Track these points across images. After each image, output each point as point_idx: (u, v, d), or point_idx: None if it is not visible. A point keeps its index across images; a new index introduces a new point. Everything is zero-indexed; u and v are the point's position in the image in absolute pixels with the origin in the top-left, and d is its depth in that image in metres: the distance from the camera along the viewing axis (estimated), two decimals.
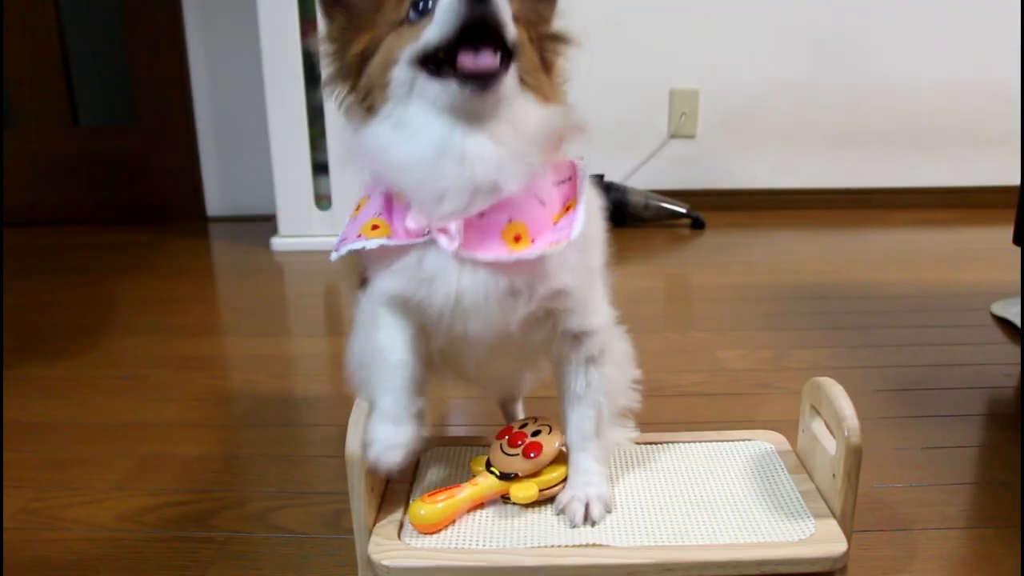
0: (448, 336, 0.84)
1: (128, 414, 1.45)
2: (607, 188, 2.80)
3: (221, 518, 1.09)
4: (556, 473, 0.92)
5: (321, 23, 0.83)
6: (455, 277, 0.79)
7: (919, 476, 1.15)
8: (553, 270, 0.80)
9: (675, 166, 3.09)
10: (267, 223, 2.86)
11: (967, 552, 0.99)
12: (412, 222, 0.78)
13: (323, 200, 2.68)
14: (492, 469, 0.92)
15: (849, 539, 0.84)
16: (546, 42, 0.83)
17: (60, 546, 1.04)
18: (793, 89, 3.01)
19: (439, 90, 0.75)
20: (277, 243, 2.69)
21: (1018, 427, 1.29)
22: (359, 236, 0.81)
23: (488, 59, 0.72)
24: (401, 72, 0.76)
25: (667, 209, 2.90)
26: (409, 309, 0.84)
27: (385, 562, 0.82)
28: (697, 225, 2.88)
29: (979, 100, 3.01)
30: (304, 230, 2.68)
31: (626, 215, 2.86)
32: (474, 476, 0.93)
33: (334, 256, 0.84)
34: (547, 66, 0.82)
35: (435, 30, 0.72)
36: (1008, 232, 1.71)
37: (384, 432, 0.84)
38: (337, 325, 2.08)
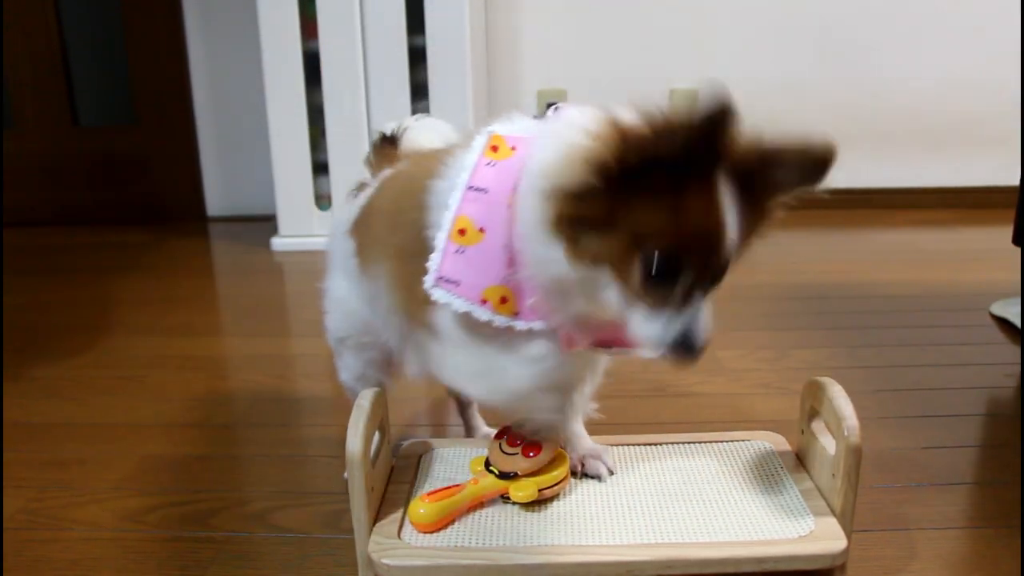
0: None
1: (128, 414, 1.45)
2: None
3: (221, 518, 1.09)
4: (556, 472, 0.92)
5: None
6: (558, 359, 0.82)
7: (919, 476, 1.15)
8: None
9: None
10: (267, 223, 2.86)
11: (967, 552, 0.99)
12: (534, 313, 0.79)
13: (323, 200, 2.68)
14: (491, 468, 0.92)
15: (849, 538, 0.84)
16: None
17: (60, 546, 1.04)
18: (793, 89, 3.01)
19: (636, 320, 0.74)
20: (277, 243, 2.69)
21: (1018, 427, 1.29)
22: (484, 303, 0.78)
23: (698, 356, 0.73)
24: (608, 301, 0.74)
25: None
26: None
27: (385, 561, 0.82)
28: None
29: (979, 100, 3.01)
30: (304, 230, 2.68)
31: None
32: (474, 476, 0.93)
33: (439, 296, 0.79)
34: None
35: (648, 333, 0.73)
36: (1008, 232, 1.71)
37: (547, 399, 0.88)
38: None
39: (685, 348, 0.72)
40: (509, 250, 0.77)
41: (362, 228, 1.01)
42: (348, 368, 1.11)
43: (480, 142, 0.82)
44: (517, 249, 0.77)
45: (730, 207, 0.70)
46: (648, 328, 0.73)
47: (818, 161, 0.77)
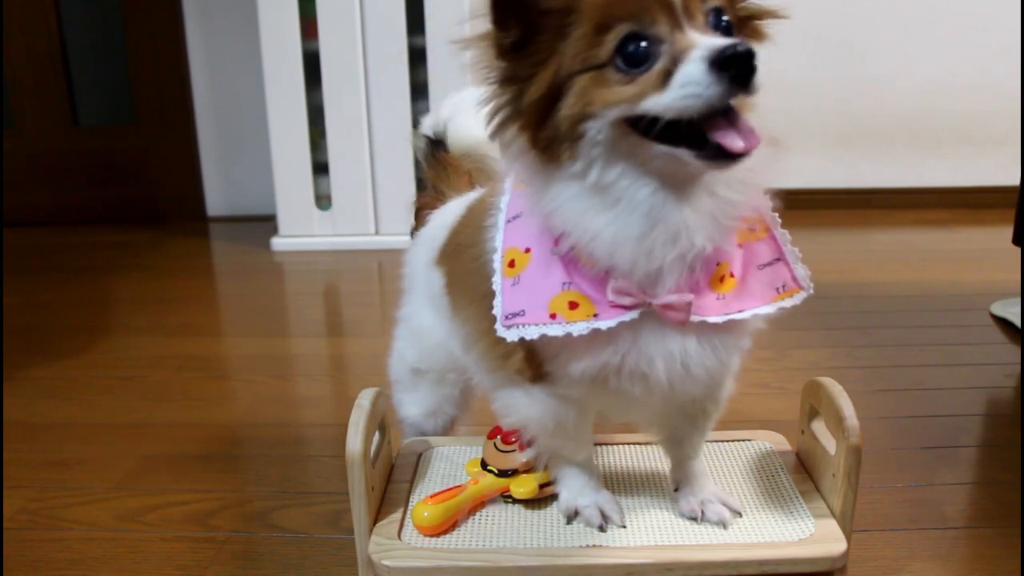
0: (635, 401, 0.76)
1: (128, 414, 1.45)
2: None
3: (221, 518, 1.09)
4: None
5: (487, 31, 0.66)
6: (679, 344, 0.71)
7: (919, 476, 1.15)
8: (783, 303, 0.77)
9: None
10: (267, 223, 2.86)
11: (967, 552, 0.99)
12: (615, 295, 0.68)
13: (323, 200, 2.68)
14: (489, 468, 0.92)
15: (849, 539, 0.84)
16: (751, 26, 0.73)
17: (60, 546, 1.04)
18: (792, 89, 3.01)
19: (663, 158, 0.63)
20: (277, 243, 2.69)
21: (1018, 427, 1.29)
22: (553, 317, 0.69)
23: (754, 137, 0.60)
24: (603, 131, 0.63)
25: None
26: (597, 388, 0.74)
27: (385, 562, 0.82)
28: None
29: (979, 100, 3.01)
30: (304, 230, 2.68)
31: None
32: (472, 477, 0.93)
33: (509, 335, 0.71)
34: None
35: (672, 103, 0.59)
36: (1008, 232, 1.71)
37: (598, 498, 0.86)
38: (337, 325, 2.09)
39: (728, 59, 0.57)
40: (521, 235, 0.72)
41: (450, 259, 0.91)
42: (419, 402, 1.04)
43: (510, 182, 0.77)
44: (555, 227, 0.68)
45: None
46: (673, 92, 0.59)
47: None
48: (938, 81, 3.00)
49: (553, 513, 0.89)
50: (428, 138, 1.08)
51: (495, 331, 0.73)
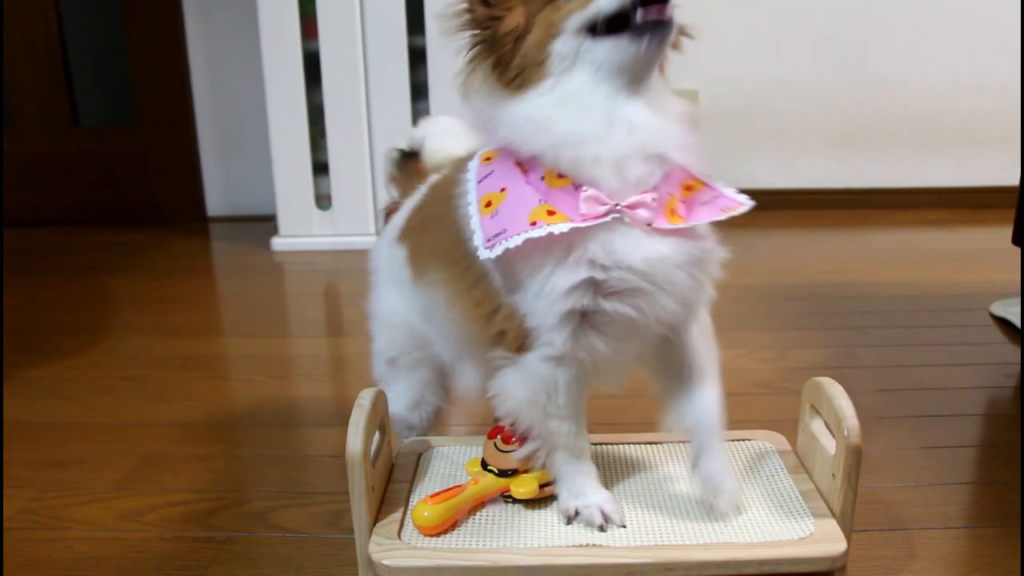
0: (621, 338, 0.80)
1: (128, 414, 1.45)
2: None
3: (221, 518, 1.09)
4: None
5: None
6: (651, 249, 0.76)
7: (919, 476, 1.15)
8: (714, 242, 0.83)
9: None
10: (267, 223, 2.86)
11: (967, 552, 0.99)
12: (586, 205, 0.75)
13: (323, 200, 2.68)
14: (490, 468, 0.92)
15: (849, 539, 0.84)
16: None
17: (60, 546, 1.04)
18: (793, 89, 3.01)
19: (609, 50, 0.74)
20: (277, 243, 2.69)
21: (1018, 427, 1.29)
22: (533, 224, 0.74)
23: (669, 8, 0.73)
24: (565, 44, 0.75)
25: None
26: (589, 324, 0.78)
27: (386, 562, 0.82)
28: None
29: (980, 100, 3.01)
30: (304, 230, 2.68)
31: None
32: (472, 477, 0.93)
33: (492, 253, 0.76)
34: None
35: (608, 2, 0.72)
36: (1008, 232, 1.71)
37: (597, 499, 0.86)
38: (337, 325, 2.09)
39: None
40: (532, 180, 0.78)
41: (413, 234, 0.98)
42: (400, 396, 1.06)
43: (476, 158, 0.85)
44: (527, 145, 0.77)
45: None
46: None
47: None
48: (938, 81, 3.00)
49: (553, 513, 0.90)
50: (402, 151, 1.15)
51: (476, 288, 0.81)
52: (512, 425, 0.94)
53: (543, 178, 0.77)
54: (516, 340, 0.81)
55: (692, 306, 0.82)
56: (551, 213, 0.75)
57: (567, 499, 0.87)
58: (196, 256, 2.74)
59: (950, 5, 2.93)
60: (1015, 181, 1.78)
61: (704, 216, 0.81)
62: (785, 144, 3.07)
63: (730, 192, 0.85)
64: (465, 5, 0.80)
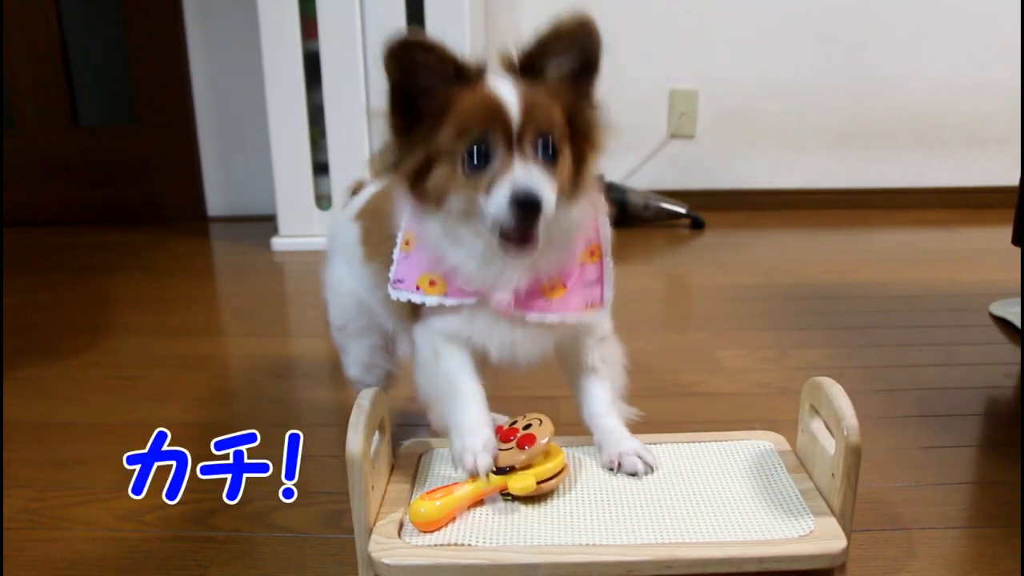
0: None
1: (128, 414, 1.45)
2: (607, 188, 2.80)
3: (221, 518, 1.09)
4: (552, 464, 0.92)
5: (386, 111, 0.88)
6: (507, 330, 0.95)
7: (919, 476, 1.15)
8: (585, 315, 0.97)
9: (675, 166, 3.09)
10: (267, 223, 2.86)
11: (967, 552, 0.99)
12: (464, 285, 0.92)
13: (323, 200, 2.68)
14: None
15: (848, 537, 0.84)
16: (585, 136, 0.89)
17: (60, 546, 1.04)
18: (793, 89, 3.02)
19: (486, 233, 0.86)
20: (277, 243, 2.69)
21: (1018, 427, 1.29)
22: (417, 288, 0.95)
23: (531, 244, 0.84)
24: (455, 205, 0.87)
25: (667, 209, 2.90)
26: (464, 341, 0.97)
27: (386, 560, 0.82)
28: (697, 225, 2.88)
29: (980, 100, 3.01)
30: (304, 230, 2.68)
31: (626, 215, 2.86)
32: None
33: (393, 295, 0.97)
34: (582, 158, 0.90)
35: (488, 213, 0.83)
36: (1008, 232, 1.71)
37: (472, 442, 0.92)
38: None
39: (519, 203, 0.81)
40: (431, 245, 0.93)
41: (368, 218, 1.12)
42: (355, 360, 1.21)
43: None
44: (424, 239, 0.93)
45: (510, 92, 0.84)
46: (491, 205, 0.83)
47: (575, 32, 0.86)
48: (938, 81, 3.00)
49: (552, 510, 0.90)
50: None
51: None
52: (511, 424, 0.95)
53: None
54: (417, 319, 1.00)
55: (547, 354, 1.00)
56: (432, 283, 0.94)
57: (456, 443, 0.94)
58: (196, 256, 2.74)
59: (950, 5, 2.93)
60: (1015, 181, 1.78)
61: (564, 310, 0.94)
62: (785, 144, 3.07)
63: (607, 287, 0.98)
64: (388, 124, 0.88)
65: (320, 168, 2.65)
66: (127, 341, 1.86)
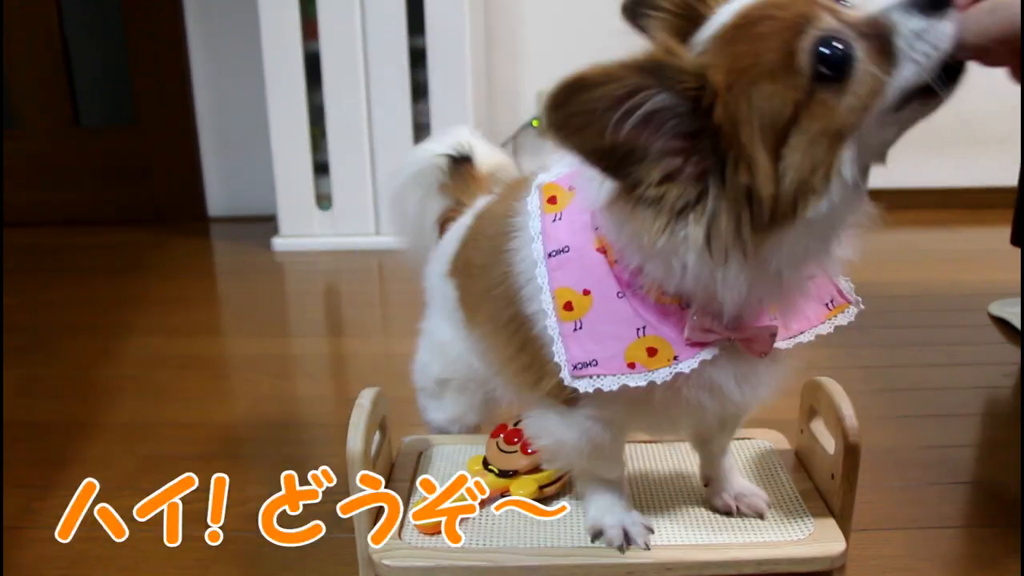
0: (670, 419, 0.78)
1: (128, 414, 1.45)
2: None
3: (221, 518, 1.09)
4: (556, 470, 0.92)
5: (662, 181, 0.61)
6: (751, 370, 0.73)
7: (919, 476, 1.15)
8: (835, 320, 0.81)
9: None
10: (268, 223, 2.86)
11: (967, 552, 0.99)
12: (697, 332, 0.67)
13: (324, 200, 2.68)
14: (491, 468, 0.92)
15: (848, 538, 0.84)
16: None
17: (60, 546, 1.04)
18: None
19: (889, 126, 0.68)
20: (278, 243, 2.69)
21: (1017, 427, 1.29)
22: (632, 367, 0.67)
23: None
24: (849, 166, 0.67)
25: None
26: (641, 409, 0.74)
27: (386, 561, 0.82)
28: None
29: (979, 100, 2.99)
30: (305, 230, 2.68)
31: None
32: (473, 475, 0.93)
33: (585, 386, 0.69)
34: None
35: (913, 72, 0.64)
36: (1007, 232, 1.71)
37: (630, 516, 0.84)
38: (337, 325, 2.09)
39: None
40: (626, 290, 0.68)
41: (462, 274, 0.94)
42: (443, 409, 1.07)
43: (535, 201, 0.75)
44: (634, 273, 0.67)
45: None
46: (913, 42, 0.61)
47: None
48: None
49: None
50: (451, 156, 1.10)
51: (524, 353, 0.75)
52: (516, 424, 0.94)
53: (643, 285, 0.67)
54: (564, 398, 0.75)
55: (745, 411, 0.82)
56: (652, 352, 0.67)
57: (595, 516, 0.85)
58: (196, 256, 2.74)
59: None
60: (1014, 181, 1.78)
61: (806, 325, 0.77)
62: None
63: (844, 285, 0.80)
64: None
65: (320, 168, 2.65)
66: (127, 341, 1.86)
